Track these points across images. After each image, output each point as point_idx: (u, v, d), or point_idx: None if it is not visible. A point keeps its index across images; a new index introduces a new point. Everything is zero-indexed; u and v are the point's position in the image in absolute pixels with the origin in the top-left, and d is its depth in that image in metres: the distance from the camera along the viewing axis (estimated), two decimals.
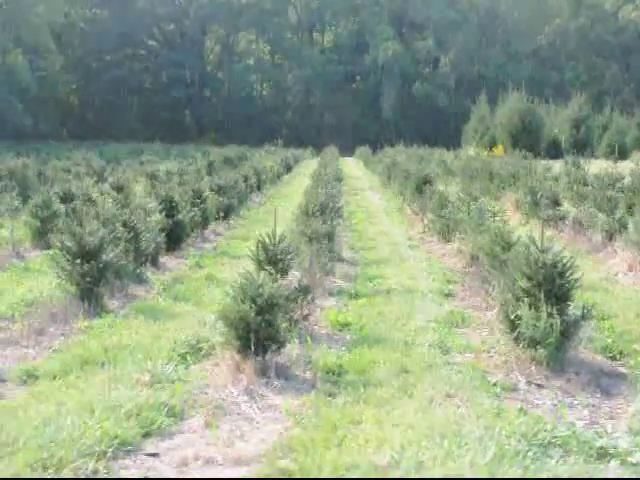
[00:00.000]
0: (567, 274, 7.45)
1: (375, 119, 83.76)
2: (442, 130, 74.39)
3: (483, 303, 10.08)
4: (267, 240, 8.90)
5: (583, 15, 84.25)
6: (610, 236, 14.52)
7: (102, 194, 18.44)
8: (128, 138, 70.17)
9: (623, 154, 41.43)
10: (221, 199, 18.72)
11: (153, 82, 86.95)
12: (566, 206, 18.61)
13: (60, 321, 8.77)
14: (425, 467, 4.88)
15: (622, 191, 17.82)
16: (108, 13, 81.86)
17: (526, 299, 7.35)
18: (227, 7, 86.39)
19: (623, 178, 20.17)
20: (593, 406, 6.49)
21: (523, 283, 7.48)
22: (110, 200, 13.72)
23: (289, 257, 9.05)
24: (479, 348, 7.96)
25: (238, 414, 6.16)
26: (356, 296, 10.64)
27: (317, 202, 13.25)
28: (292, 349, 7.48)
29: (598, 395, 6.74)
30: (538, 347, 7.12)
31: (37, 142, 61.08)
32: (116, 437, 5.37)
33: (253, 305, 6.98)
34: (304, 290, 8.86)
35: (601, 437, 5.62)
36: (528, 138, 49.33)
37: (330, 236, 12.49)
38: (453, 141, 57.91)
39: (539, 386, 6.88)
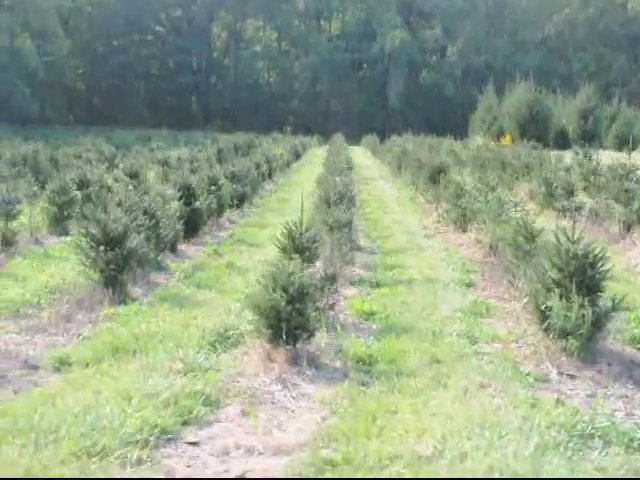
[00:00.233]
0: (598, 265, 7.43)
1: (382, 107, 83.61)
2: (449, 119, 74.23)
3: (506, 294, 10.05)
4: (294, 228, 8.88)
5: (592, 5, 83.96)
6: (628, 227, 14.51)
7: (116, 181, 18.43)
8: (135, 124, 70.09)
9: (632, 145, 41.26)
10: (235, 187, 18.70)
11: (160, 68, 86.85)
12: (580, 197, 18.58)
13: (86, 308, 8.75)
14: (469, 457, 4.87)
15: (638, 182, 17.75)
16: None
17: (557, 290, 7.33)
18: None
19: (638, 169, 20.08)
20: (627, 397, 6.46)
21: (554, 274, 7.45)
22: (130, 187, 13.67)
23: (315, 246, 9.03)
24: (507, 338, 7.94)
25: (272, 403, 6.16)
26: (377, 285, 10.63)
27: (336, 191, 13.21)
28: (321, 338, 7.47)
29: (631, 386, 6.71)
30: (569, 338, 7.10)
31: (44, 127, 61.05)
32: (156, 426, 5.36)
33: (284, 294, 6.97)
34: (330, 279, 8.86)
35: None
36: (536, 128, 49.27)
37: (349, 225, 12.48)
38: (460, 131, 57.80)
39: (571, 377, 6.86)
